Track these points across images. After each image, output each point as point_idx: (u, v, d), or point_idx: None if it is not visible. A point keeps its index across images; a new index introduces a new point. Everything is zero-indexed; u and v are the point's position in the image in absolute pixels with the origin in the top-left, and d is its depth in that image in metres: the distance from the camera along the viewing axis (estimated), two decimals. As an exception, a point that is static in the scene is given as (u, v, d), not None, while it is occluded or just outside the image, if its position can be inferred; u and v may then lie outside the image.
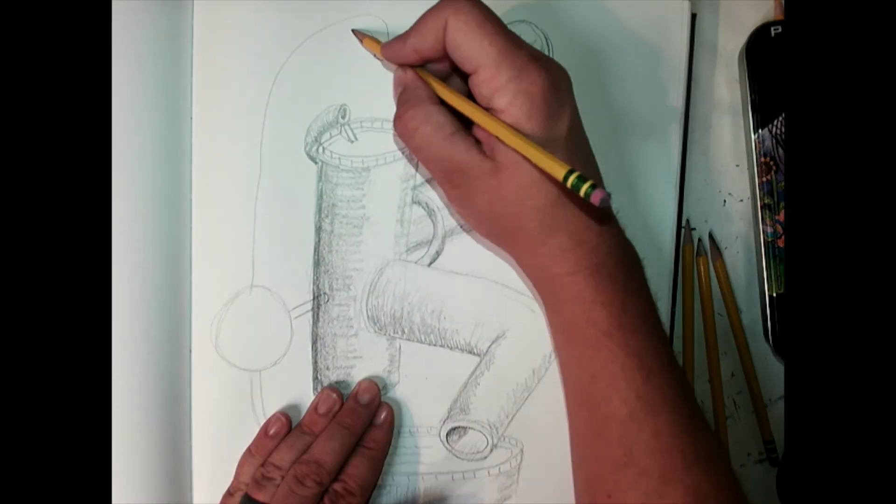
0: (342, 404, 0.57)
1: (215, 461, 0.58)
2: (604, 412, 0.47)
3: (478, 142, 0.48)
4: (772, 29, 0.58)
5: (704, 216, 0.61)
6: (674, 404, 0.47)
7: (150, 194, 0.55)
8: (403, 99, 0.49)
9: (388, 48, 0.51)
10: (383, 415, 0.58)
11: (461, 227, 0.58)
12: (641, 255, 0.58)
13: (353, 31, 0.56)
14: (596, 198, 0.41)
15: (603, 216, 0.48)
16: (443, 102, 0.49)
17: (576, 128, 0.48)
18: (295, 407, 0.58)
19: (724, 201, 0.62)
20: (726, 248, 0.61)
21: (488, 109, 0.47)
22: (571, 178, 0.42)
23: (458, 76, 0.51)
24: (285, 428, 0.57)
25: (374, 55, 0.55)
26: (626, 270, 0.48)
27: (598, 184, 0.41)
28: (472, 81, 0.47)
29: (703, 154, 0.61)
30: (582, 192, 0.41)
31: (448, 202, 0.54)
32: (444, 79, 0.51)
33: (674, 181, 0.59)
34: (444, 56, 0.48)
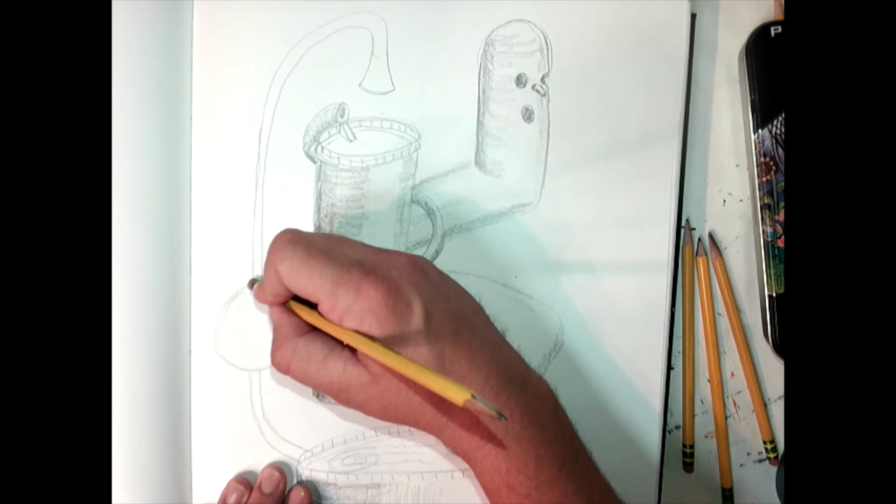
0: (249, 494, 0.58)
1: (215, 461, 0.58)
2: None
3: (353, 351, 0.49)
4: (772, 29, 0.58)
5: (704, 216, 0.61)
6: None
7: (150, 194, 0.55)
8: (273, 338, 0.51)
9: (256, 293, 0.53)
10: (297, 500, 0.59)
11: (460, 226, 0.59)
12: (640, 255, 0.59)
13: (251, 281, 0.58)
14: (490, 417, 0.42)
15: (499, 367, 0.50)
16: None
17: (434, 312, 0.48)
18: (294, 409, 0.59)
19: (724, 201, 0.62)
20: (726, 248, 0.61)
21: None
22: (474, 404, 0.41)
23: None
24: (244, 497, 0.58)
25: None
26: (536, 419, 0.49)
27: (494, 410, 0.41)
28: (320, 310, 0.48)
29: (703, 154, 0.61)
30: (486, 419, 0.45)
31: None
32: None
33: (673, 181, 0.59)
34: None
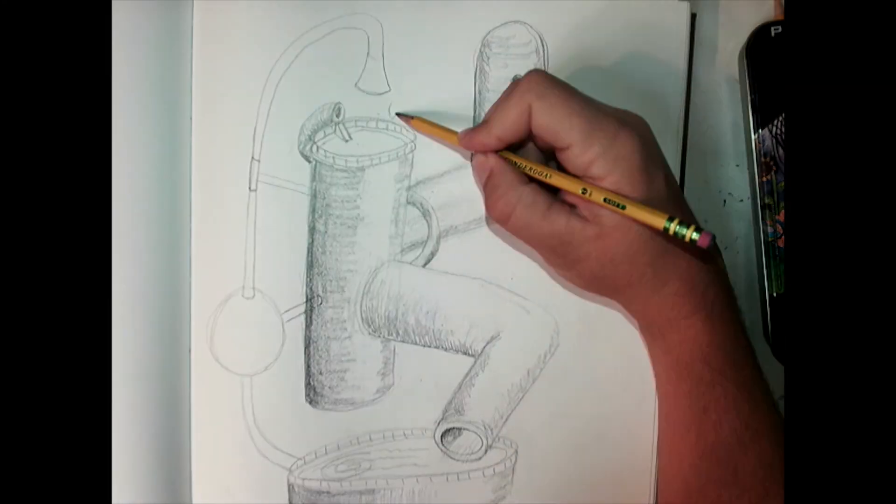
0: None
1: (212, 466, 0.58)
2: (712, 439, 0.50)
3: (572, 206, 0.49)
4: (772, 29, 0.58)
5: (704, 216, 0.61)
6: (775, 429, 0.51)
7: (150, 194, 0.56)
8: (492, 186, 0.50)
9: (469, 138, 0.51)
10: None
11: (456, 227, 0.59)
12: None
13: (398, 114, 0.58)
14: (703, 241, 0.44)
15: (710, 255, 0.51)
16: (531, 178, 0.50)
17: (671, 181, 0.50)
18: (286, 416, 0.59)
19: (724, 201, 0.62)
20: (726, 248, 0.61)
21: (582, 177, 0.48)
22: (673, 226, 0.45)
23: (533, 144, 0.52)
24: None
25: (440, 141, 0.57)
26: (733, 306, 0.52)
27: (700, 227, 0.44)
28: (565, 156, 0.48)
29: (703, 154, 0.61)
30: (687, 238, 0.44)
31: (551, 268, 0.55)
32: (521, 146, 0.52)
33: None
34: (527, 138, 0.50)
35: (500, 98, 0.50)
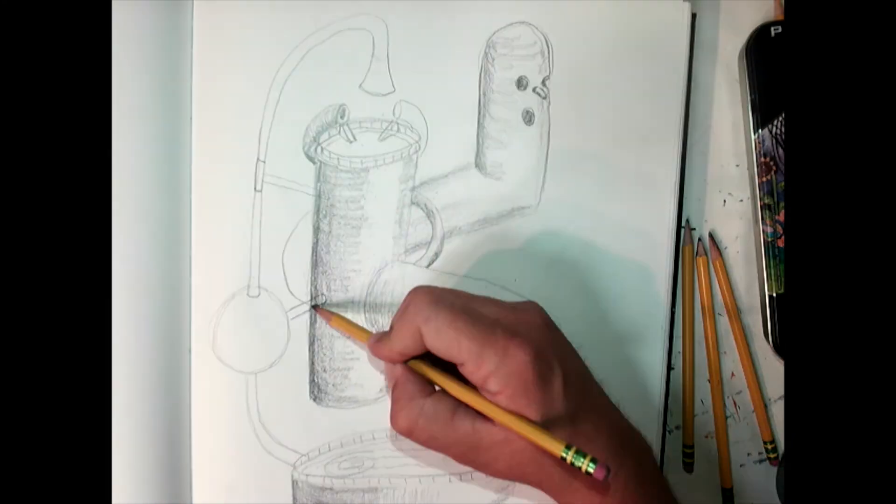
0: None
1: (214, 463, 0.58)
2: None
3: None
4: (772, 29, 0.58)
5: (704, 216, 0.62)
6: None
7: (150, 194, 0.55)
8: (395, 397, 0.50)
9: (377, 348, 0.52)
10: None
11: (460, 228, 0.59)
12: (641, 254, 0.59)
13: (314, 307, 0.58)
14: (599, 474, 0.43)
15: (616, 428, 0.51)
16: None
17: (572, 380, 0.49)
18: (290, 413, 0.59)
19: (724, 201, 0.62)
20: (726, 248, 0.62)
21: (480, 390, 0.48)
22: (570, 456, 0.44)
23: None
24: None
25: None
26: (647, 476, 0.51)
27: (595, 459, 0.43)
28: (462, 371, 0.48)
29: (703, 154, 0.61)
30: (583, 470, 0.44)
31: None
32: None
33: (673, 181, 0.59)
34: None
35: (397, 311, 0.50)
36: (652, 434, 0.60)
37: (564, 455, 0.44)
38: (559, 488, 0.49)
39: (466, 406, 0.49)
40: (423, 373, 0.50)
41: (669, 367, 0.61)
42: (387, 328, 0.58)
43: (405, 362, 0.51)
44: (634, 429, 0.52)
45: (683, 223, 0.61)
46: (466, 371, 0.47)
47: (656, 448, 0.60)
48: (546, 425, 0.46)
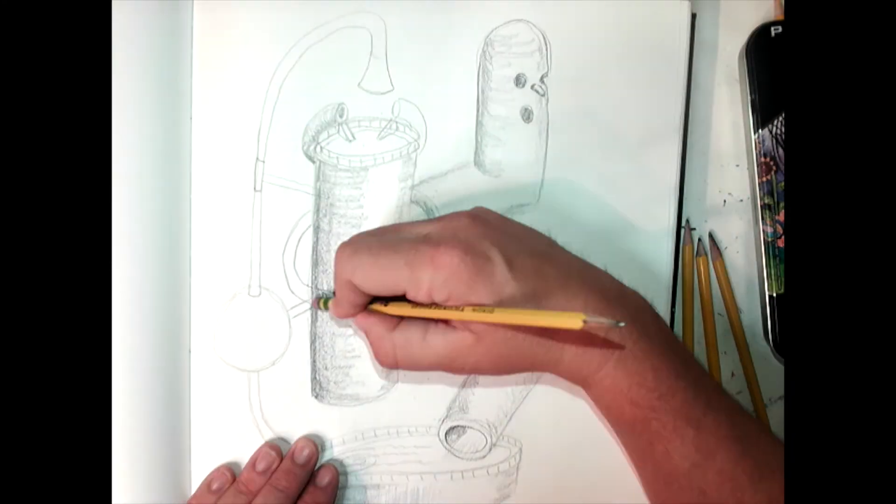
0: (280, 462, 0.58)
1: (215, 463, 0.59)
2: (668, 468, 0.49)
3: (447, 322, 0.49)
4: (772, 29, 0.58)
5: (704, 216, 0.62)
6: (727, 437, 0.49)
7: (150, 194, 0.56)
8: (370, 341, 0.51)
9: (334, 311, 0.53)
10: (327, 478, 0.58)
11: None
12: (641, 254, 0.59)
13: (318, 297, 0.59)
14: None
15: (600, 289, 0.50)
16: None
17: (518, 258, 0.48)
18: (292, 411, 0.59)
19: (724, 201, 0.62)
20: (726, 248, 0.62)
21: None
22: (591, 323, 0.41)
23: None
24: (228, 483, 0.57)
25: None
26: (644, 332, 0.49)
27: (611, 321, 0.41)
28: (408, 297, 0.48)
29: (703, 154, 0.61)
30: (604, 334, 0.45)
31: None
32: None
33: (674, 181, 0.59)
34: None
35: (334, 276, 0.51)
36: None
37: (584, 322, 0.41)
38: (550, 363, 0.49)
39: (436, 323, 0.49)
40: (382, 312, 0.51)
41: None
42: None
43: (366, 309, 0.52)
44: (628, 288, 0.52)
45: (683, 223, 0.61)
46: (410, 296, 0.48)
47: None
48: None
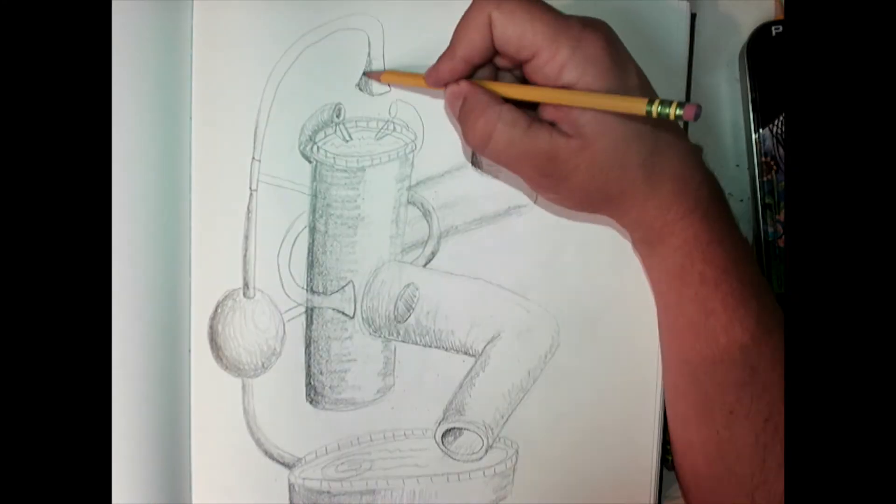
0: None
1: (213, 465, 0.59)
2: (724, 341, 0.50)
3: (552, 124, 0.48)
4: (772, 28, 0.58)
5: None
6: (782, 324, 0.51)
7: (150, 194, 0.56)
8: (468, 110, 0.48)
9: (436, 70, 0.50)
10: None
11: (457, 227, 0.59)
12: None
13: (366, 73, 0.58)
14: (689, 113, 0.42)
15: (698, 150, 0.50)
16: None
17: (643, 75, 0.49)
18: (286, 416, 0.59)
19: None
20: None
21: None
22: (655, 108, 0.42)
23: (506, 72, 0.52)
24: None
25: (403, 87, 0.57)
26: (726, 203, 0.51)
27: (683, 102, 0.42)
28: (533, 66, 0.47)
29: (704, 154, 0.61)
30: (672, 115, 0.42)
31: (536, 191, 0.54)
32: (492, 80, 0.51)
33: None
34: (491, 56, 0.49)
35: (459, 21, 0.49)
36: (648, 434, 0.60)
37: (649, 109, 0.42)
38: (641, 195, 0.49)
39: (541, 121, 0.48)
40: (490, 87, 0.49)
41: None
42: (385, 329, 0.59)
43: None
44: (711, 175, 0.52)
45: None
46: (540, 62, 0.46)
47: (653, 448, 0.60)
48: None
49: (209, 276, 0.58)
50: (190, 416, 0.59)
